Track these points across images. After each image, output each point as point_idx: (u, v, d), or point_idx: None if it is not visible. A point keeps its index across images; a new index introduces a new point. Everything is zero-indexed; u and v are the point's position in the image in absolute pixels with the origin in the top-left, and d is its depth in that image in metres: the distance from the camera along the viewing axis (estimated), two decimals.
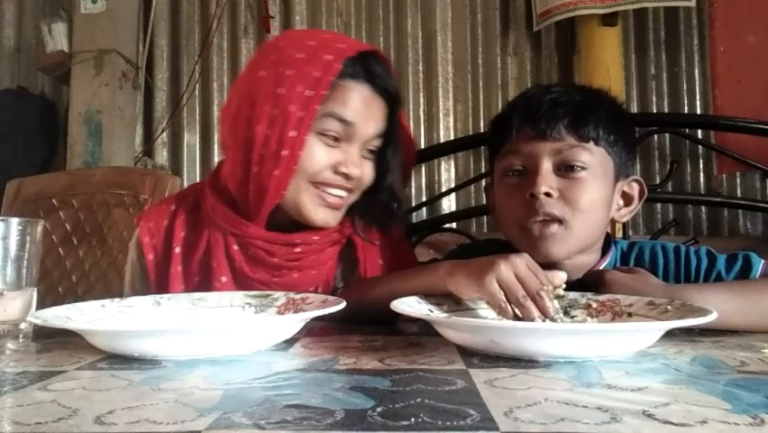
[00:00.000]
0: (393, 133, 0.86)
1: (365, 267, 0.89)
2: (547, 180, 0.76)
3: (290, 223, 0.85)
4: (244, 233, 0.84)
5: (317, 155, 0.80)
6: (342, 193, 0.83)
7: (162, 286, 0.86)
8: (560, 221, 0.76)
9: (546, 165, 0.77)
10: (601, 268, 0.82)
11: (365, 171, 0.84)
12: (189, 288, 0.85)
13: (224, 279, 0.84)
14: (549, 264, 0.70)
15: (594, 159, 0.77)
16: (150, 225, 0.90)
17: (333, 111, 0.79)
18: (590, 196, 0.77)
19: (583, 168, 0.77)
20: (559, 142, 0.77)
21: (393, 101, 0.85)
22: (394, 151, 0.87)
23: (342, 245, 0.90)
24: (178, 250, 0.87)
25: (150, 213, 0.92)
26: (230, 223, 0.84)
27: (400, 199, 0.91)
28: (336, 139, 0.80)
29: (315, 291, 0.87)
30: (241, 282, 0.85)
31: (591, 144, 0.78)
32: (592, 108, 0.79)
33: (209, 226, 0.86)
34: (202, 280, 0.86)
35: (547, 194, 0.76)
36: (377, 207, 0.90)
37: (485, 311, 0.70)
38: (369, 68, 0.81)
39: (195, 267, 0.86)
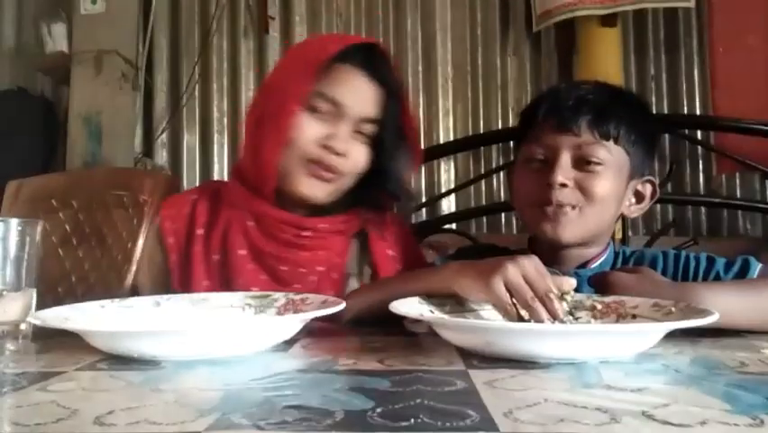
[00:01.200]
0: (393, 122, 0.90)
1: (376, 258, 0.95)
2: (564, 172, 0.80)
3: (302, 208, 0.91)
4: (255, 208, 0.90)
5: (307, 129, 0.86)
6: (330, 175, 0.88)
7: (183, 267, 0.92)
8: (573, 207, 0.80)
9: (565, 158, 0.80)
10: (598, 263, 0.86)
11: (354, 152, 0.88)
12: (210, 267, 0.91)
13: (242, 252, 0.90)
14: (559, 248, 0.75)
15: (611, 156, 0.81)
16: (171, 211, 0.96)
17: (323, 90, 0.86)
18: (604, 188, 0.80)
19: (600, 163, 0.80)
20: (579, 137, 0.80)
21: (391, 91, 0.90)
22: (396, 140, 0.91)
23: (350, 236, 0.96)
24: (200, 232, 0.93)
25: (172, 202, 1.00)
26: (244, 200, 0.91)
27: (406, 189, 0.96)
28: (326, 117, 0.87)
29: (324, 272, 0.92)
30: (257, 257, 0.90)
31: (611, 143, 0.81)
32: (615, 108, 0.82)
33: (228, 208, 0.93)
34: (222, 258, 0.91)
35: (563, 185, 0.79)
36: (383, 196, 0.95)
37: (488, 312, 0.69)
38: (365, 57, 0.88)
39: (215, 246, 0.92)
